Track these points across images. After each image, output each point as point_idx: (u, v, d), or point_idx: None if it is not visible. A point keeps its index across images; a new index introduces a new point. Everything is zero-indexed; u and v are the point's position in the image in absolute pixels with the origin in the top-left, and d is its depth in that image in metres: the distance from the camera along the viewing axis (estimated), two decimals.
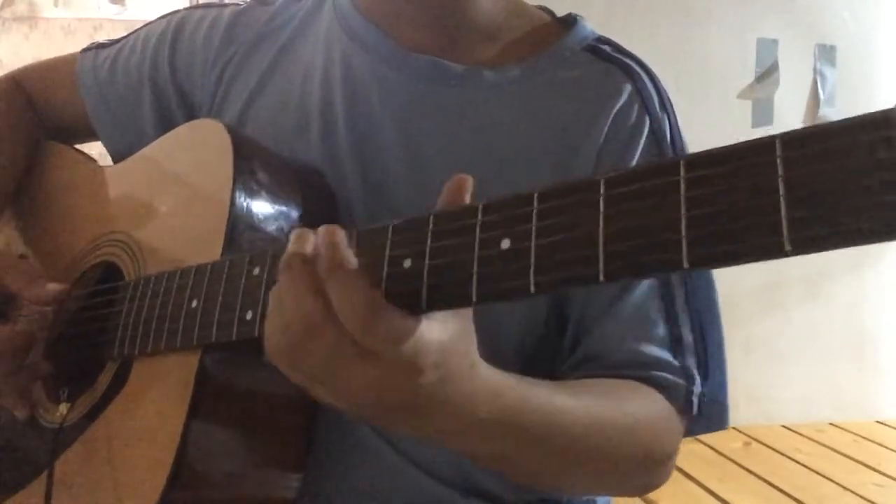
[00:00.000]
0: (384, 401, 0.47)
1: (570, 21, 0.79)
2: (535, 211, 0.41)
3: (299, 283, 0.46)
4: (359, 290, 0.44)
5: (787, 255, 0.34)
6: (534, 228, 0.41)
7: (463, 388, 0.49)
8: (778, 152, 0.34)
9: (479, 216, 0.43)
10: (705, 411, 0.69)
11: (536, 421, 0.55)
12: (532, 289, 0.41)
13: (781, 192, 0.34)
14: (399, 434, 0.52)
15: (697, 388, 0.68)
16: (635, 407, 0.65)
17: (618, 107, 0.72)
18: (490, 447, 0.55)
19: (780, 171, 0.34)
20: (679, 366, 0.68)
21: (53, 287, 0.73)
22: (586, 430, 0.59)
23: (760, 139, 0.35)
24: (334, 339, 0.45)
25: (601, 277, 0.38)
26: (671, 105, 0.76)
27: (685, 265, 0.36)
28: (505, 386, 0.53)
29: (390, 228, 0.47)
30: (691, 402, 0.68)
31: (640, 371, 0.66)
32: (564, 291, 0.67)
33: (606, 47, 0.77)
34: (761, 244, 0.34)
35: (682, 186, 0.37)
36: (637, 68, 0.75)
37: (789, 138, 0.34)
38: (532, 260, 0.41)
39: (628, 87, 0.73)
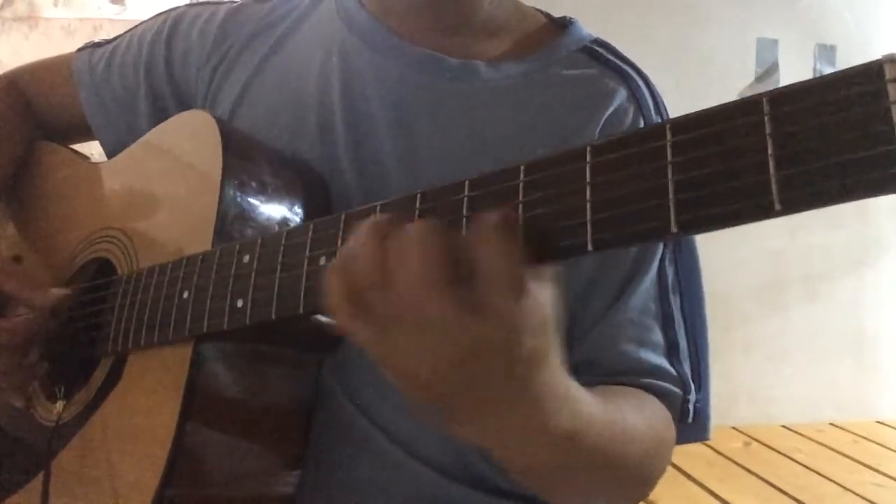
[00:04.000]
0: (470, 374, 0.42)
1: (565, 23, 0.79)
2: (521, 184, 0.41)
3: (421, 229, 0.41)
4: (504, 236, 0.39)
5: (777, 214, 0.33)
6: (521, 202, 0.41)
7: (548, 383, 0.45)
8: (765, 110, 0.34)
9: (466, 191, 0.43)
10: (697, 420, 0.69)
11: (598, 439, 0.52)
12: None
13: (770, 150, 0.33)
14: (462, 438, 0.48)
15: (693, 397, 0.68)
16: (656, 419, 0.65)
17: (612, 109, 0.72)
18: (550, 460, 0.51)
19: (767, 129, 0.33)
20: (676, 374, 0.68)
21: (57, 292, 0.72)
22: (626, 445, 0.58)
23: (747, 98, 0.34)
24: (455, 289, 0.40)
25: (589, 247, 0.38)
26: (666, 110, 0.76)
27: (673, 230, 0.36)
28: (584, 398, 0.50)
29: (378, 207, 0.47)
30: (687, 410, 0.68)
31: (640, 378, 0.66)
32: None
33: (602, 50, 0.77)
34: (751, 205, 0.33)
35: (669, 151, 0.36)
36: (632, 72, 0.75)
37: (777, 95, 0.34)
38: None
39: (623, 91, 0.73)
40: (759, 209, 0.33)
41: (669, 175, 0.36)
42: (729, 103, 0.35)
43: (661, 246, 0.69)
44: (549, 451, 0.50)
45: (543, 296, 0.41)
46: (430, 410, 0.45)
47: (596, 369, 0.66)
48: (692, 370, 0.70)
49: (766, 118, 0.33)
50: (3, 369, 0.72)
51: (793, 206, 0.33)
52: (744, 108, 0.34)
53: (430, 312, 0.40)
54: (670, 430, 0.67)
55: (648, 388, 0.66)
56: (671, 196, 0.36)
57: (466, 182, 0.43)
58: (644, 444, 0.61)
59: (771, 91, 0.34)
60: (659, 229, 0.36)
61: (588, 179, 0.39)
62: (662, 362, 0.68)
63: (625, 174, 0.37)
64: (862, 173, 0.31)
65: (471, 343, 0.41)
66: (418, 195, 0.45)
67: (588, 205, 0.38)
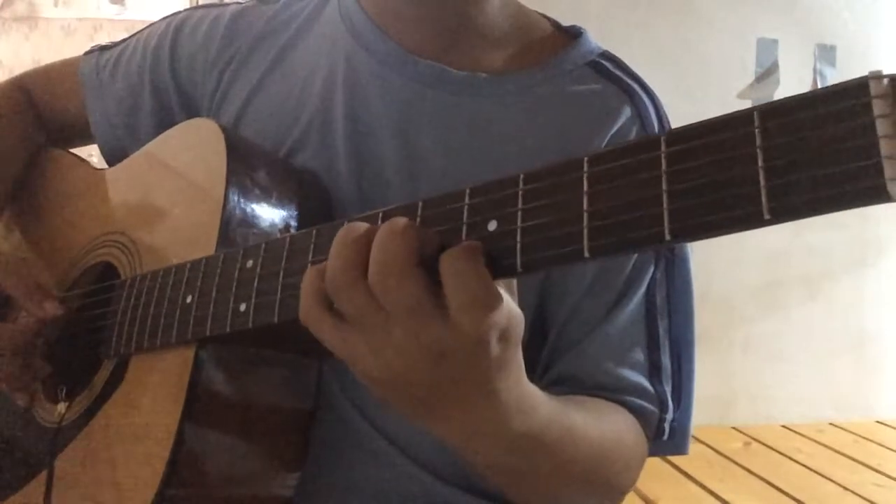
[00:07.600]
0: (438, 374, 0.44)
1: (574, 33, 0.78)
2: (520, 192, 0.42)
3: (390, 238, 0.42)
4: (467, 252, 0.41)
5: (766, 223, 0.34)
6: (520, 210, 0.42)
7: (510, 386, 0.47)
8: (756, 123, 0.35)
9: (466, 199, 0.44)
10: (673, 437, 0.71)
11: (556, 439, 0.54)
12: (519, 268, 0.41)
13: (760, 162, 0.34)
14: (426, 428, 0.49)
15: (669, 416, 0.70)
16: (621, 429, 0.66)
17: (616, 127, 0.72)
18: (509, 459, 0.53)
19: (758, 142, 0.35)
20: (654, 393, 0.69)
21: (50, 307, 0.72)
22: (588, 449, 0.59)
23: (739, 111, 0.36)
24: (420, 291, 0.42)
25: (585, 254, 0.39)
26: (670, 127, 0.75)
27: (667, 237, 0.37)
28: (542, 400, 0.52)
29: (381, 214, 0.48)
30: (663, 428, 0.70)
31: (618, 395, 0.67)
32: (552, 269, 0.67)
33: (609, 64, 0.76)
34: (741, 214, 0.35)
35: (664, 161, 0.37)
36: (638, 89, 0.75)
37: (767, 109, 0.35)
38: (518, 240, 0.41)
39: (628, 109, 0.73)
40: (749, 218, 0.35)
41: (664, 185, 0.37)
42: (722, 116, 0.36)
43: (651, 269, 0.70)
44: (508, 450, 0.52)
45: (509, 308, 0.43)
46: (397, 405, 0.48)
47: (576, 384, 0.68)
48: (673, 389, 0.71)
49: (756, 130, 0.35)
50: (7, 373, 0.73)
51: (781, 215, 0.34)
52: (735, 121, 0.36)
53: (397, 302, 0.42)
54: (640, 445, 0.68)
55: (624, 405, 0.67)
56: (665, 205, 0.37)
57: (467, 190, 0.44)
58: (600, 448, 0.61)
59: (762, 105, 0.35)
60: (653, 237, 0.37)
61: (585, 189, 0.40)
62: (641, 381, 0.69)
63: (621, 184, 0.39)
64: (848, 184, 0.32)
65: (438, 351, 0.43)
66: (420, 203, 0.46)
67: (585, 213, 0.39)
